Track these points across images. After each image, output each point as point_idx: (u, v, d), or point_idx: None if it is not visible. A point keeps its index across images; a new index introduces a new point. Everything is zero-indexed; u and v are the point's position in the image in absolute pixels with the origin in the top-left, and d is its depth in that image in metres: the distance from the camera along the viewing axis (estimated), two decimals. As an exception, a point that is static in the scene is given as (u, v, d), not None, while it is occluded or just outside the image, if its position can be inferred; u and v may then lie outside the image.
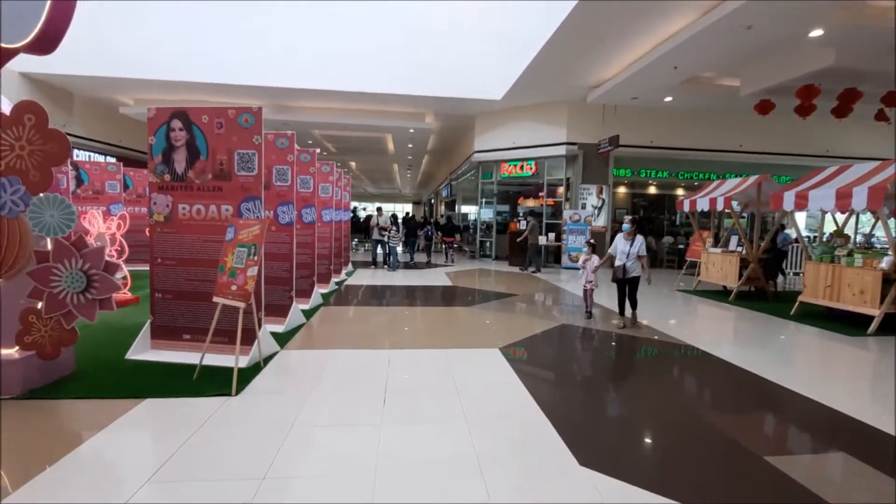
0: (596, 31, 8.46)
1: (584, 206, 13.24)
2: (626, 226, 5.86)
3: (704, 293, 8.91)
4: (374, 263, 11.70)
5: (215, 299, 3.67)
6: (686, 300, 8.43)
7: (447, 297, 8.16)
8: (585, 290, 6.55)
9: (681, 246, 14.25)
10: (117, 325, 5.17)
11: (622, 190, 15.84)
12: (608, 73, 10.54)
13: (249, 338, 4.01)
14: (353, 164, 27.21)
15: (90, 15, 11.47)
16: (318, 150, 10.76)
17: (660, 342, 5.43)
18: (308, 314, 6.11)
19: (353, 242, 18.92)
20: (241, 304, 3.48)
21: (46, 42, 3.35)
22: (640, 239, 5.74)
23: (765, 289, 8.32)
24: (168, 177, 4.30)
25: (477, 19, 12.44)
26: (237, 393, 3.37)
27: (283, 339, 4.88)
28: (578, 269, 6.78)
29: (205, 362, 3.81)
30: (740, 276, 8.16)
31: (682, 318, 7.16)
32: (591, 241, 6.83)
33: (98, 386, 3.49)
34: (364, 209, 37.66)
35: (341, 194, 9.29)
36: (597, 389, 3.92)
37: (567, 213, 12.92)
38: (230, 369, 3.53)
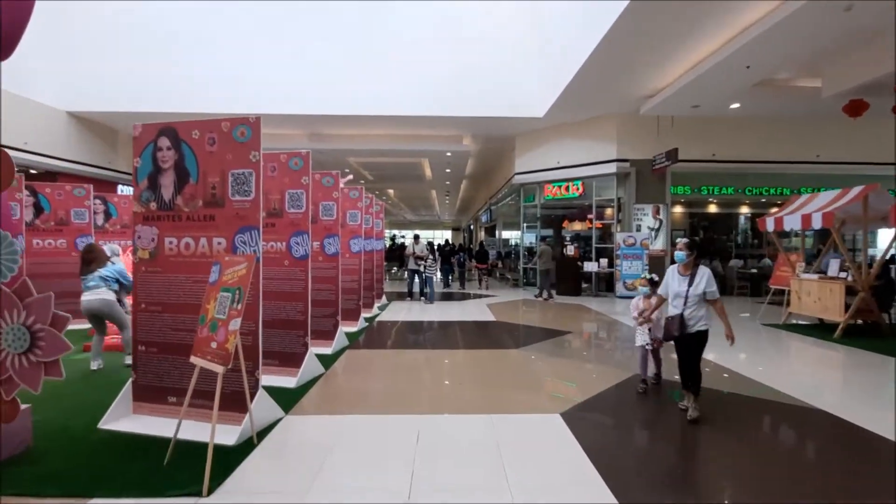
0: (650, 35, 7.49)
1: (638, 228, 11.98)
2: (680, 254, 3.77)
3: (798, 328, 7.46)
4: (410, 295, 10.85)
5: (193, 359, 2.85)
6: (776, 338, 7.03)
7: (489, 335, 7.14)
8: (645, 350, 4.42)
9: (753, 270, 12.63)
10: (114, 377, 4.48)
11: (679, 209, 14.43)
12: (664, 80, 9.47)
13: (239, 405, 3.16)
14: (391, 191, 26.91)
15: (130, 53, 11.69)
16: (349, 176, 10.24)
17: (763, 401, 4.19)
18: (329, 360, 5.25)
19: (393, 270, 18.30)
20: (220, 369, 2.63)
21: (-6, 44, 2.71)
22: (704, 273, 3.70)
23: (878, 323, 6.82)
24: (154, 205, 3.60)
25: (515, 33, 11.76)
26: (210, 492, 2.49)
27: (291, 398, 4.02)
28: (632, 296, 4.71)
29: (188, 435, 2.99)
30: (846, 307, 6.71)
31: (779, 362, 5.81)
32: (653, 276, 4.47)
33: (45, 475, 2.69)
34: (403, 237, 37.26)
35: (373, 222, 8.56)
36: (715, 482, 2.79)
37: (620, 237, 11.69)
38: (216, 446, 2.66)
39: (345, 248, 7.00)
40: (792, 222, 7.11)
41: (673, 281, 3.82)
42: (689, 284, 3.68)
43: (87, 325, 6.50)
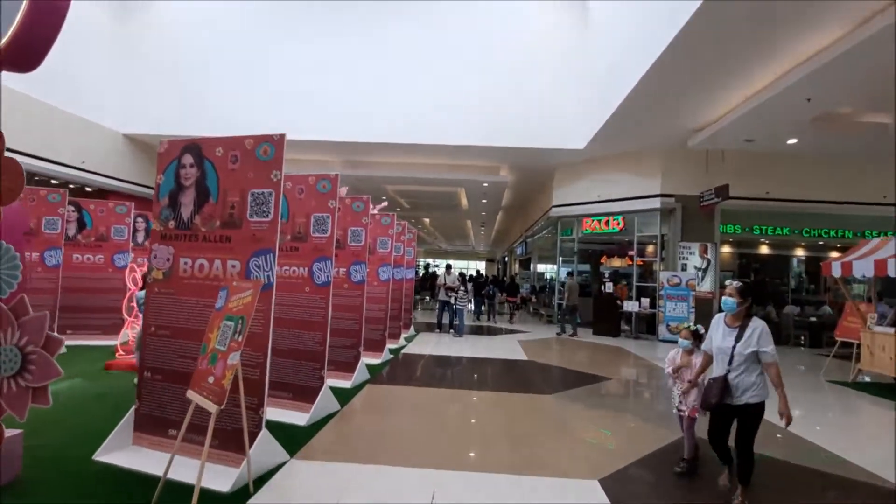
0: (700, 65, 7.10)
1: (684, 268, 11.27)
2: (729, 301, 2.98)
3: (870, 388, 6.61)
4: (440, 327, 10.48)
5: (189, 394, 2.60)
6: (844, 398, 6.21)
7: (519, 377, 6.65)
8: (681, 418, 3.54)
9: (812, 319, 11.60)
10: (122, 401, 4.31)
11: (728, 249, 13.59)
12: (715, 112, 8.99)
13: (239, 445, 2.87)
14: (426, 220, 26.95)
15: (181, 78, 12.27)
16: (384, 202, 10.15)
17: (832, 476, 3.55)
18: (347, 395, 4.93)
19: (426, 300, 18.06)
20: (213, 408, 2.36)
21: (22, 52, 2.67)
22: (757, 327, 2.89)
23: (970, 388, 5.93)
24: (173, 223, 3.47)
25: (557, 63, 11.61)
26: (190, 553, 2.18)
27: (300, 437, 3.70)
28: (676, 341, 3.68)
29: (183, 474, 2.72)
30: (931, 368, 5.88)
31: (850, 428, 5.07)
32: (698, 327, 3.58)
33: (23, 511, 2.47)
34: (436, 266, 37.11)
35: (404, 250, 8.35)
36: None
37: (665, 276, 11.02)
38: (208, 491, 2.37)
39: (373, 275, 6.78)
40: (863, 268, 6.38)
41: (717, 333, 3.06)
42: (737, 339, 2.91)
43: (112, 343, 6.52)
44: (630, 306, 11.44)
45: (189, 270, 3.38)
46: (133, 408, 3.40)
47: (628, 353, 9.16)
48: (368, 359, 6.43)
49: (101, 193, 12.29)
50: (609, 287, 12.16)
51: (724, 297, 3.04)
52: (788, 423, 2.81)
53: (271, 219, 3.24)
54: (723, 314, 3.11)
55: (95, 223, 7.75)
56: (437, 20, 11.84)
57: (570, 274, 13.40)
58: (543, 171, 13.90)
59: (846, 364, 7.87)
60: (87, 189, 12.20)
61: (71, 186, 11.83)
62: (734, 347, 2.91)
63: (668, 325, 10.79)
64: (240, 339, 2.42)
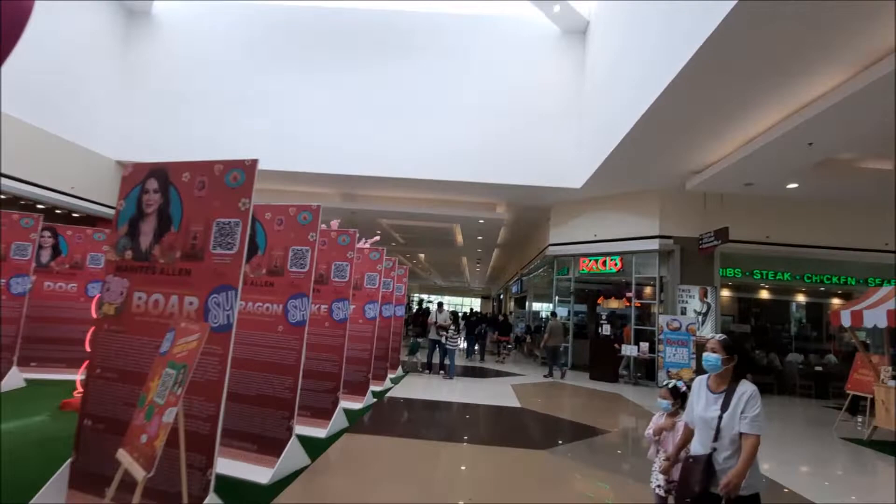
0: (699, 108, 7.04)
1: (683, 311, 10.94)
2: (710, 357, 2.40)
3: (888, 447, 6.16)
4: (429, 367, 10.00)
5: (119, 454, 2.22)
6: (862, 459, 5.77)
7: (513, 426, 6.19)
8: (660, 500, 2.92)
9: (818, 368, 11.19)
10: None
11: (726, 293, 13.29)
12: (714, 154, 8.89)
13: (181, 514, 2.45)
14: (421, 255, 26.72)
15: (178, 107, 12.24)
16: (376, 237, 9.90)
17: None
18: (321, 447, 4.48)
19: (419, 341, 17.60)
20: (141, 474, 1.98)
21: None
22: (745, 392, 2.32)
23: None
24: (130, 253, 3.16)
25: (556, 101, 11.66)
26: None
27: (259, 499, 3.26)
28: (648, 430, 3.10)
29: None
30: (952, 428, 5.48)
31: (874, 494, 4.63)
32: (678, 383, 3.16)
33: None
34: (430, 302, 36.61)
35: (393, 286, 8.01)
36: None
37: (664, 320, 10.66)
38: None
39: (358, 313, 6.42)
40: (874, 318, 6.07)
41: (698, 400, 2.43)
42: (723, 408, 2.28)
43: (74, 377, 6.06)
44: (628, 350, 11.02)
45: (143, 306, 3.03)
46: (69, 461, 2.98)
47: (626, 400, 8.69)
48: (350, 403, 5.98)
49: (90, 220, 12.01)
50: (606, 329, 11.77)
51: (704, 354, 2.42)
52: (727, 493, 2.18)
53: (236, 252, 2.93)
54: (705, 376, 2.48)
55: (71, 250, 7.41)
56: (439, 61, 11.96)
57: (553, 314, 13.18)
58: (540, 209, 13.76)
59: (857, 418, 7.45)
60: (74, 215, 11.93)
61: (57, 212, 11.59)
62: (720, 419, 2.28)
63: (668, 371, 10.35)
64: (179, 391, 2.06)
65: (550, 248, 13.29)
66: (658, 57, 6.84)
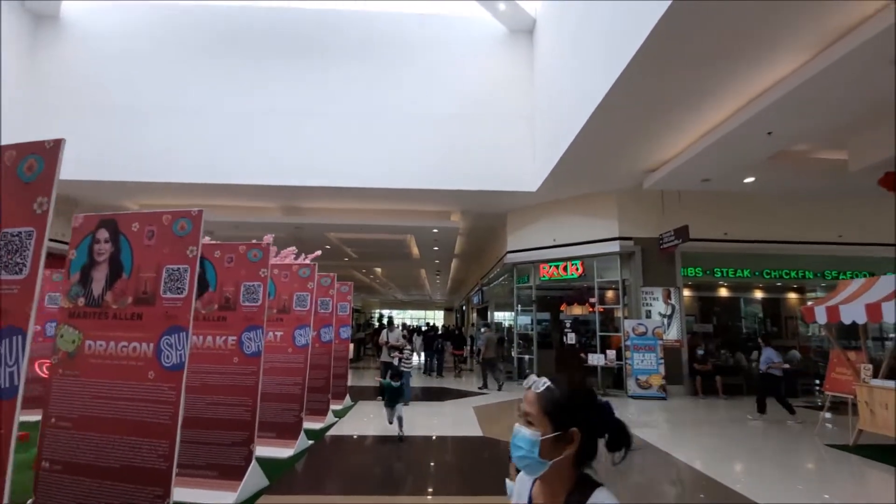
0: (649, 103, 6.63)
1: (648, 315, 10.50)
2: (522, 438, 1.09)
3: (874, 452, 5.72)
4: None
5: None
6: (849, 467, 5.30)
7: (473, 464, 5.33)
8: None
9: (785, 366, 10.95)
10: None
11: (687, 293, 13.04)
12: (670, 151, 8.50)
13: None
14: (378, 270, 25.64)
15: (95, 120, 10.84)
16: (318, 253, 8.95)
17: None
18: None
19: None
20: None
21: None
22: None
23: None
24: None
25: (506, 103, 11.10)
26: None
27: None
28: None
29: None
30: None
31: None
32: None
33: None
34: (391, 318, 35.28)
35: (333, 305, 7.04)
36: None
37: (630, 324, 10.17)
38: None
39: (286, 340, 5.44)
40: (852, 313, 5.66)
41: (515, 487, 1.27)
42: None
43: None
44: (595, 359, 10.44)
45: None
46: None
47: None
48: (274, 449, 4.97)
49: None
50: (571, 338, 11.18)
51: (514, 430, 1.12)
52: None
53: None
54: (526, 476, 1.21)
55: None
56: (382, 63, 11.18)
57: (486, 326, 12.88)
58: (496, 215, 13.16)
59: (838, 419, 7.08)
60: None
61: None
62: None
63: (637, 379, 9.82)
64: None
65: (509, 255, 12.67)
66: (606, 50, 6.39)
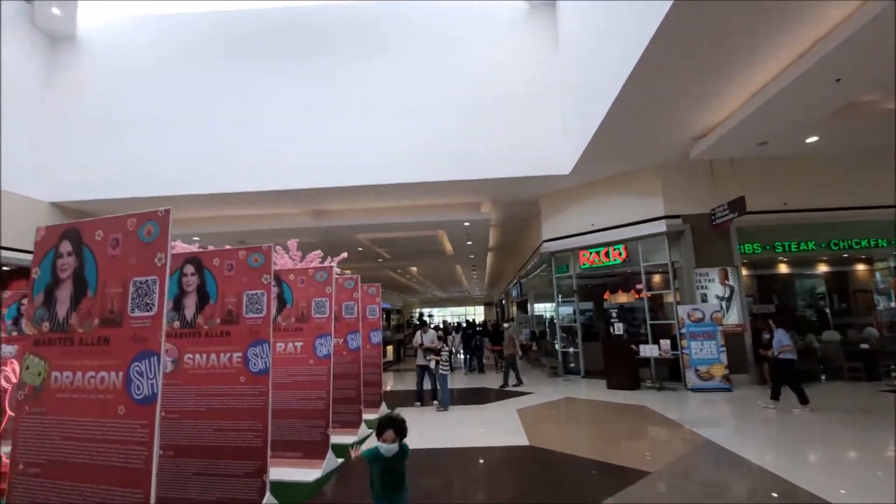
0: (700, 50, 5.75)
1: (703, 298, 9.58)
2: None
3: None
4: (420, 399, 8.56)
5: None
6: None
7: (519, 483, 4.75)
8: None
9: (863, 346, 9.79)
10: None
11: (744, 272, 11.94)
12: (719, 113, 7.61)
13: None
14: (413, 269, 25.29)
15: (116, 137, 10.92)
16: (344, 255, 8.58)
17: None
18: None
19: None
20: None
21: None
22: None
23: None
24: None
25: (530, 84, 10.41)
26: None
27: None
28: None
29: None
30: None
31: None
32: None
33: None
34: (430, 316, 34.88)
35: (358, 310, 6.60)
36: None
37: (684, 310, 9.29)
38: None
39: (307, 351, 5.02)
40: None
41: None
42: None
43: None
44: (647, 351, 9.61)
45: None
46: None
47: (654, 414, 7.27)
48: (301, 471, 4.56)
49: (24, 272, 10.61)
50: (618, 328, 10.38)
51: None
52: None
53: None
54: None
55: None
56: (399, 52, 10.73)
57: (511, 320, 12.28)
58: (528, 203, 12.46)
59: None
60: (5, 268, 10.57)
61: (-5, 267, 10.24)
62: None
63: (696, 370, 8.95)
64: None
65: (545, 244, 11.97)
66: (635, 11, 5.63)
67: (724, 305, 9.44)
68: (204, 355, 3.77)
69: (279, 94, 10.69)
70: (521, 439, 5.99)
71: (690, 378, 8.99)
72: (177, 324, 3.90)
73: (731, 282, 9.61)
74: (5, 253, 10.02)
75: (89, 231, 2.97)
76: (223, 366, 3.69)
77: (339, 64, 10.79)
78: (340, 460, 5.03)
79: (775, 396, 7.35)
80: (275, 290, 4.37)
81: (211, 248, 4.52)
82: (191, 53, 11.07)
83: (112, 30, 11.42)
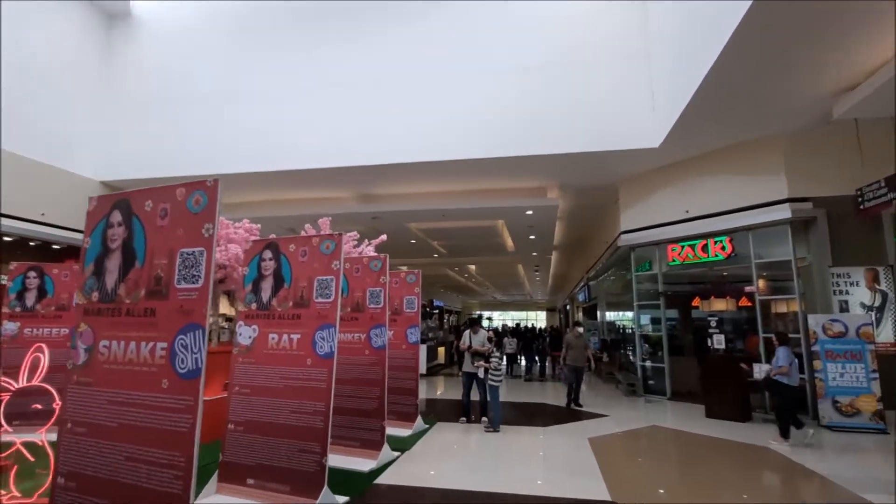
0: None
1: (843, 307, 7.29)
2: None
3: None
4: (466, 415, 7.04)
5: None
6: None
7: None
8: None
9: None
10: None
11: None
12: (875, 56, 5.45)
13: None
14: (472, 267, 23.82)
15: (166, 115, 10.52)
16: (383, 237, 7.39)
17: None
18: None
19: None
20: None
21: None
22: None
23: None
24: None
25: (614, 39, 8.66)
26: None
27: None
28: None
29: None
30: None
31: None
32: None
33: None
34: (490, 319, 33.12)
35: (384, 298, 5.17)
36: None
37: (816, 321, 7.06)
38: None
39: (304, 347, 3.70)
40: None
41: None
42: None
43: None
44: (761, 370, 7.45)
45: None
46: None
47: (787, 462, 5.24)
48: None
49: (73, 251, 10.39)
50: (720, 341, 8.27)
51: None
52: None
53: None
54: None
55: (58, 290, 6.44)
56: (461, 13, 9.42)
57: (576, 323, 10.24)
58: (604, 188, 10.60)
59: None
60: (55, 247, 10.40)
61: (31, 244, 10.08)
62: None
63: (835, 402, 6.72)
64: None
65: (623, 236, 10.05)
66: None
67: (873, 317, 7.10)
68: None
69: (332, 67, 9.84)
70: (598, 489, 4.25)
71: (825, 411, 6.76)
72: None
73: (883, 286, 7.24)
74: (56, 231, 9.88)
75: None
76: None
77: (399, 31, 9.70)
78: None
79: (784, 434, 5.40)
80: (272, 264, 4.02)
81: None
82: (248, 29, 10.57)
83: (164, 7, 11.09)
